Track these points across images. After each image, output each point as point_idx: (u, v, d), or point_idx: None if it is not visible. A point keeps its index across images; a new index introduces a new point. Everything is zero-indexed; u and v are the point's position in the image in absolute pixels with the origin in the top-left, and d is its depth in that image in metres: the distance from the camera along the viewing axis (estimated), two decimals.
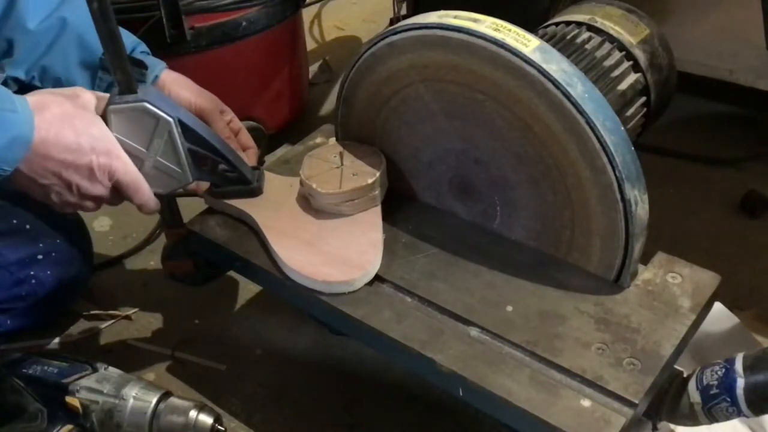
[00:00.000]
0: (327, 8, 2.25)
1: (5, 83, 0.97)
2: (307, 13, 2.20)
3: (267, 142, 1.57)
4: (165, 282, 1.31)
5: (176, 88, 1.01)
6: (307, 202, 0.95)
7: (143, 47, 1.04)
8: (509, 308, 0.81)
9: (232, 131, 1.05)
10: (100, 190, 0.83)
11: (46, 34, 0.98)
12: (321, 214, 0.93)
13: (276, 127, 1.59)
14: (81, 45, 0.99)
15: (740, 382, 0.75)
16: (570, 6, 1.15)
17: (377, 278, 0.86)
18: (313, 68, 1.97)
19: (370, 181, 0.92)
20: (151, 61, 1.00)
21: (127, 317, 1.26)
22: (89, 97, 0.83)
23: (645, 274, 0.84)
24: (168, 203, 1.00)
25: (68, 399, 0.92)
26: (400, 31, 0.83)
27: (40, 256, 1.10)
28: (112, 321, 1.25)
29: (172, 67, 1.04)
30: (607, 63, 1.03)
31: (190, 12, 1.35)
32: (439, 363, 0.75)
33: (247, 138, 1.08)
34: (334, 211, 0.93)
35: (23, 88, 0.97)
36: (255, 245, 0.92)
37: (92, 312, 1.27)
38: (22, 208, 1.09)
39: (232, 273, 1.16)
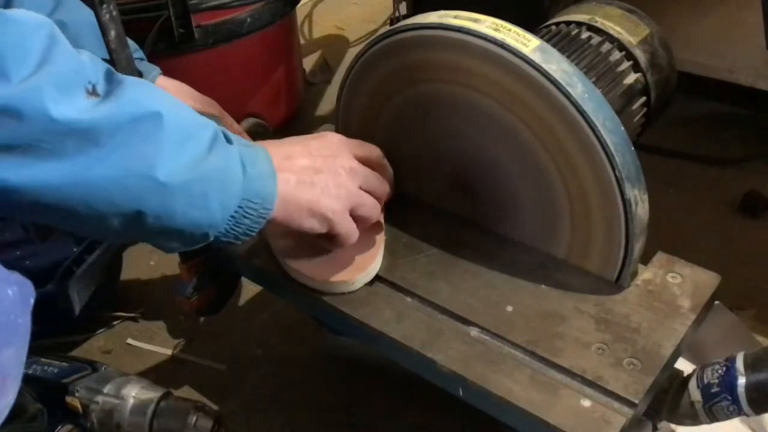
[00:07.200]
0: (327, 8, 2.26)
1: None
2: (303, 13, 2.20)
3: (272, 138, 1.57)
4: (164, 281, 1.32)
5: (179, 96, 0.92)
6: None
7: (139, 53, 0.99)
8: (509, 308, 0.81)
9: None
10: None
11: None
12: None
13: (275, 125, 1.60)
14: None
15: (741, 381, 0.75)
16: (570, 6, 1.15)
17: (377, 278, 0.86)
18: (312, 68, 1.97)
19: None
20: (145, 67, 0.97)
21: (133, 318, 1.25)
22: None
23: (645, 274, 0.84)
24: None
25: (68, 399, 0.92)
26: (400, 31, 0.83)
27: None
28: (118, 322, 1.25)
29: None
30: (607, 63, 1.03)
31: (197, 10, 1.37)
32: (439, 363, 0.75)
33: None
34: None
35: None
36: (255, 245, 0.92)
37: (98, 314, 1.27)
38: None
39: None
